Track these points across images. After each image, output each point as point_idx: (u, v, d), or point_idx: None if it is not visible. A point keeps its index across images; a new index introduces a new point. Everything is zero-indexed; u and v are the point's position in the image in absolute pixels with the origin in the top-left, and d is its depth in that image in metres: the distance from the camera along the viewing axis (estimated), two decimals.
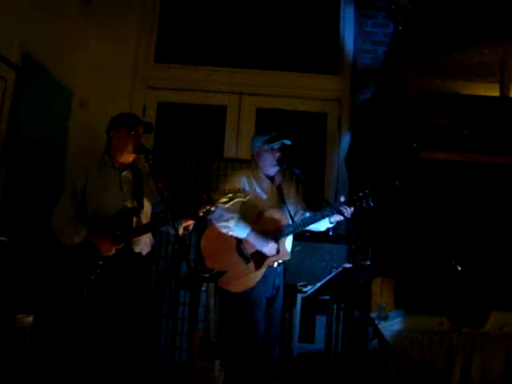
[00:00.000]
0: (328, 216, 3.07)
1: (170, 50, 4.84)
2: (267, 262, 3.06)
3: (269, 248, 3.04)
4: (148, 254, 3.04)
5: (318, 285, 3.11)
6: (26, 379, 2.84)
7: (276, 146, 3.17)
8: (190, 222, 2.96)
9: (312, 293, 3.21)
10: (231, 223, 3.03)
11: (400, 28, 4.13)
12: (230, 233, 3.06)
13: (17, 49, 3.54)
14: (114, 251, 2.82)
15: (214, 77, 4.68)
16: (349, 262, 3.29)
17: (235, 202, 2.87)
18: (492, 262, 3.90)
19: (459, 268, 3.75)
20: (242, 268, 3.05)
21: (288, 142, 3.19)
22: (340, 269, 3.05)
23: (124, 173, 3.00)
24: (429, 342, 3.49)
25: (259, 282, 3.05)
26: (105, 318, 2.81)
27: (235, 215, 3.03)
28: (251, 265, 3.06)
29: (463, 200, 4.04)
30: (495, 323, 3.52)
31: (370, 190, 3.02)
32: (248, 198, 2.91)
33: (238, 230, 3.05)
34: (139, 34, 4.74)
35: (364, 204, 3.01)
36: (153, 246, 3.13)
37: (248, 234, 3.04)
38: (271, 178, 3.25)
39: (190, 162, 4.45)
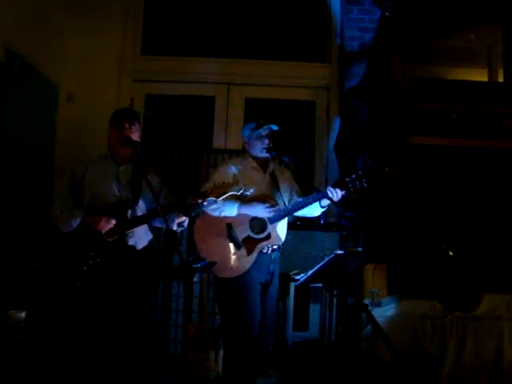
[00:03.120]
0: (320, 199, 3.06)
1: (156, 41, 4.81)
2: (259, 247, 3.07)
3: (264, 210, 3.03)
4: (145, 248, 3.05)
5: (310, 272, 3.10)
6: (20, 376, 2.83)
7: (263, 132, 3.16)
8: (183, 218, 2.98)
9: (304, 280, 3.20)
10: (219, 204, 2.99)
11: (386, 14, 4.13)
12: (222, 214, 3.04)
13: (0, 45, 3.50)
14: (113, 222, 2.84)
15: (201, 67, 4.66)
16: (341, 249, 3.29)
17: (228, 196, 2.86)
18: (483, 244, 3.92)
19: (451, 253, 3.77)
20: (233, 253, 3.05)
21: (275, 127, 3.19)
22: (331, 256, 3.04)
23: (123, 166, 3.04)
24: (422, 326, 3.50)
25: (253, 268, 3.06)
26: (98, 311, 2.81)
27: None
28: (243, 250, 3.06)
29: (454, 185, 4.06)
30: (487, 306, 3.54)
31: (362, 171, 3.00)
32: (241, 191, 2.91)
33: (227, 207, 3.03)
34: (125, 27, 4.70)
35: (357, 185, 2.99)
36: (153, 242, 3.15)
37: (238, 207, 3.04)
38: (264, 166, 3.24)
39: (179, 153, 4.43)
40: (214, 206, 3.02)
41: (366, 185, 2.98)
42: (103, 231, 2.84)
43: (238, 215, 3.08)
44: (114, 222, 2.85)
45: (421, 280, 3.77)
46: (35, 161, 3.96)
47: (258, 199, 3.08)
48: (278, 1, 4.86)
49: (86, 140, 4.27)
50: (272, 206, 3.06)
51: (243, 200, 3.05)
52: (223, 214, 3.05)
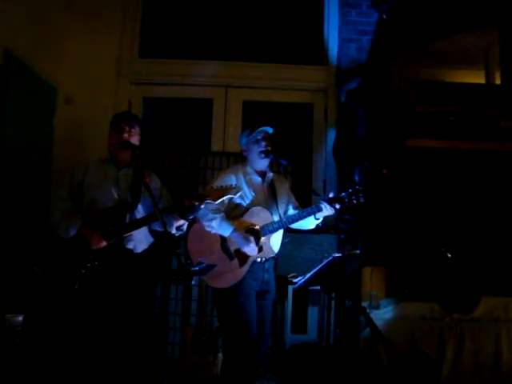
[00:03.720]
0: (314, 213, 3.06)
1: (154, 44, 4.80)
2: (251, 259, 3.06)
3: (250, 249, 3.02)
4: (146, 252, 3.04)
5: (308, 275, 3.11)
6: (17, 380, 2.82)
7: (259, 135, 3.17)
8: (182, 222, 2.98)
9: (302, 283, 3.20)
10: (214, 223, 3.02)
11: (384, 17, 4.13)
12: (214, 232, 3.05)
13: None
14: (104, 244, 2.82)
15: (199, 70, 4.64)
16: (339, 252, 3.29)
17: (225, 199, 2.87)
18: (481, 247, 3.92)
19: (449, 255, 3.77)
20: (226, 264, 3.04)
21: (269, 130, 3.20)
22: (329, 258, 3.05)
23: (122, 170, 3.05)
24: (420, 328, 3.51)
25: (248, 276, 3.05)
26: (96, 314, 2.80)
27: (218, 215, 3.02)
28: (235, 261, 3.05)
29: (452, 187, 4.06)
30: (485, 308, 3.56)
31: (359, 185, 3.00)
32: (239, 194, 2.91)
33: (221, 230, 3.04)
34: (122, 29, 4.69)
35: (354, 200, 2.99)
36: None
37: (230, 234, 3.04)
38: (262, 175, 3.23)
39: (177, 156, 4.43)
40: (208, 223, 3.03)
41: (362, 199, 2.99)
42: (92, 248, 2.82)
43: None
44: (104, 244, 2.83)
45: (419, 282, 3.78)
46: (33, 163, 3.96)
47: (253, 228, 3.08)
48: (275, 4, 4.86)
49: (83, 142, 4.27)
50: (257, 245, 3.05)
51: (239, 224, 3.06)
52: (214, 232, 3.06)
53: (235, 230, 3.04)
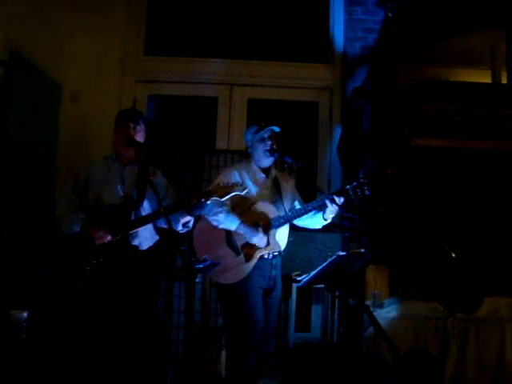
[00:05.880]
0: (319, 206, 3.06)
1: (159, 42, 4.81)
2: (257, 254, 3.06)
3: (258, 239, 3.03)
4: (150, 249, 3.05)
5: (313, 274, 3.11)
6: (22, 375, 2.83)
7: (265, 134, 3.17)
8: (188, 218, 2.98)
9: (307, 282, 3.20)
10: (220, 217, 3.02)
11: (390, 15, 4.11)
12: (220, 226, 3.05)
13: (4, 45, 3.50)
14: (108, 238, 2.83)
15: (204, 68, 4.66)
16: (343, 251, 3.29)
17: (232, 195, 2.87)
18: (486, 246, 3.92)
19: (453, 255, 3.77)
20: (232, 260, 3.04)
21: (276, 129, 3.19)
22: (334, 257, 3.04)
23: (128, 167, 3.05)
24: (424, 328, 3.50)
25: (254, 273, 3.05)
26: (100, 310, 2.81)
27: (225, 208, 3.02)
28: (241, 257, 3.05)
29: (457, 186, 4.05)
30: (489, 308, 3.54)
31: (364, 179, 2.99)
32: (246, 191, 2.90)
33: (227, 222, 3.04)
34: (127, 27, 4.70)
35: (359, 193, 2.99)
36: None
37: (237, 227, 3.04)
38: (266, 172, 3.24)
39: (181, 154, 4.44)
40: (214, 217, 3.03)
41: (367, 192, 2.98)
42: (97, 243, 2.83)
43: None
44: (109, 238, 2.84)
45: (423, 281, 3.77)
46: (38, 159, 3.98)
47: (258, 223, 3.08)
48: (280, 1, 4.85)
49: (88, 139, 4.29)
50: (266, 235, 3.06)
51: (244, 219, 3.06)
52: (221, 226, 3.06)
53: (242, 222, 3.04)
